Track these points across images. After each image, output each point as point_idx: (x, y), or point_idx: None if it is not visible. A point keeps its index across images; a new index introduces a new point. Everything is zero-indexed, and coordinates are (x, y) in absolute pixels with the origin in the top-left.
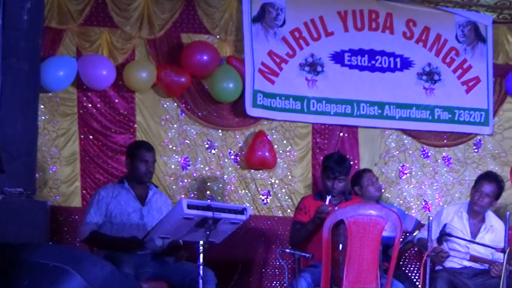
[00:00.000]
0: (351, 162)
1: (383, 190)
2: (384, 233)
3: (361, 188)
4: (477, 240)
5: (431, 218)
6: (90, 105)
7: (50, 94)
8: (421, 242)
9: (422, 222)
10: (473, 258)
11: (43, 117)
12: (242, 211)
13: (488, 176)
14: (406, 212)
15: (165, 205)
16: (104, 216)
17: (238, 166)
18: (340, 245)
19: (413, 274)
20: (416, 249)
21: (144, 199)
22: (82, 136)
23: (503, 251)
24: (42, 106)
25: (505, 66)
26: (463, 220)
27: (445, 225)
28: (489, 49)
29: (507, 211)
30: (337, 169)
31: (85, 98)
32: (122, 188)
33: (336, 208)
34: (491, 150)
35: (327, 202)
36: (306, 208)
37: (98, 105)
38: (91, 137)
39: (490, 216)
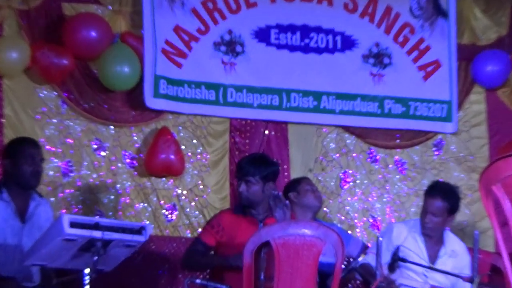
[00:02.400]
0: (279, 168)
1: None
2: (322, 258)
3: (299, 195)
4: (437, 266)
5: (380, 239)
6: None
7: None
8: (366, 269)
9: (369, 245)
10: None
11: None
12: (139, 231)
13: (432, 190)
14: (350, 233)
15: (49, 221)
16: None
17: (135, 173)
18: (262, 274)
19: None
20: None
21: (25, 213)
22: None
23: (471, 280)
24: None
25: (471, 47)
26: (418, 241)
27: (397, 247)
28: (452, 26)
29: (475, 230)
30: (244, 165)
31: None
32: (1, 200)
33: (260, 225)
34: (455, 153)
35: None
36: (221, 226)
37: None
38: None
39: (450, 238)
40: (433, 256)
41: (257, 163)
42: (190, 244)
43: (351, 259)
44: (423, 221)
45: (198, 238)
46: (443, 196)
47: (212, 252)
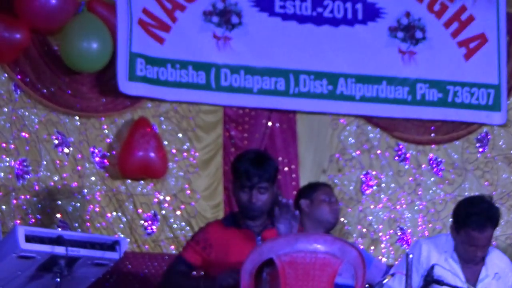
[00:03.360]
0: (285, 168)
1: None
2: (338, 279)
3: (311, 204)
4: None
5: (410, 255)
6: None
7: None
8: None
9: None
10: None
11: None
12: (112, 246)
13: (476, 222)
14: (372, 249)
15: None
16: None
17: (107, 174)
18: None
19: None
20: None
21: None
22: None
23: None
24: None
25: None
26: (451, 262)
27: (432, 266)
28: None
29: None
30: (254, 171)
31: None
32: None
33: (258, 238)
34: (504, 150)
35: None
36: (209, 242)
37: None
38: None
39: (492, 255)
40: (473, 279)
41: (263, 164)
42: (171, 262)
43: (373, 285)
44: (467, 255)
45: (180, 256)
46: (491, 224)
47: (201, 273)
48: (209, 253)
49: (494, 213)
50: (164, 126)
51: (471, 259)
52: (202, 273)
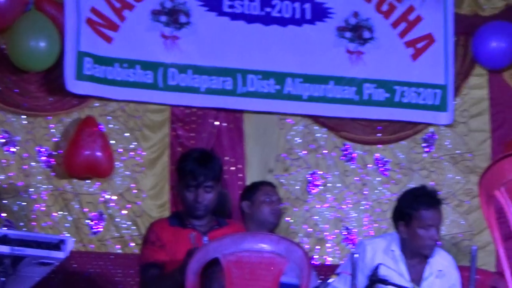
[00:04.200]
0: (232, 167)
1: (283, 211)
2: (283, 278)
3: (252, 206)
4: None
5: (356, 255)
6: None
7: None
8: None
9: (344, 263)
10: None
11: None
12: (58, 245)
13: (427, 201)
14: (316, 253)
15: None
16: None
17: (53, 174)
18: None
19: None
20: None
21: None
22: None
23: None
24: None
25: (472, 18)
26: (398, 261)
27: (377, 266)
28: None
29: (473, 245)
30: (200, 170)
31: None
32: None
33: (205, 239)
34: (450, 150)
35: (192, 240)
36: (162, 241)
37: None
38: None
39: (436, 254)
40: (417, 278)
41: (208, 163)
42: (140, 276)
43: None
44: (425, 242)
45: (145, 264)
46: (440, 202)
47: None
48: (166, 250)
49: (437, 193)
50: (111, 125)
51: (429, 246)
52: None
